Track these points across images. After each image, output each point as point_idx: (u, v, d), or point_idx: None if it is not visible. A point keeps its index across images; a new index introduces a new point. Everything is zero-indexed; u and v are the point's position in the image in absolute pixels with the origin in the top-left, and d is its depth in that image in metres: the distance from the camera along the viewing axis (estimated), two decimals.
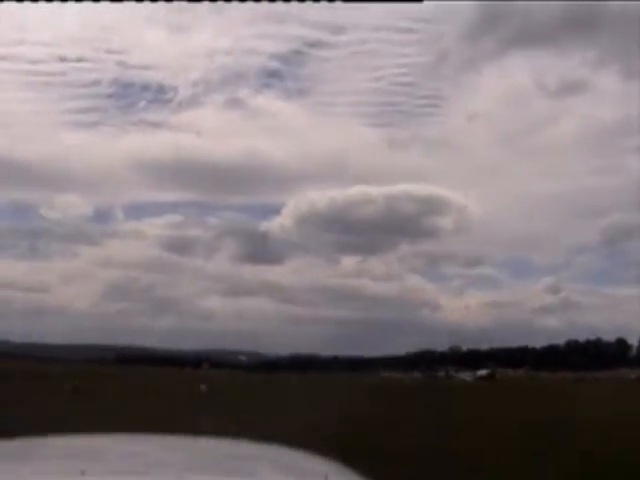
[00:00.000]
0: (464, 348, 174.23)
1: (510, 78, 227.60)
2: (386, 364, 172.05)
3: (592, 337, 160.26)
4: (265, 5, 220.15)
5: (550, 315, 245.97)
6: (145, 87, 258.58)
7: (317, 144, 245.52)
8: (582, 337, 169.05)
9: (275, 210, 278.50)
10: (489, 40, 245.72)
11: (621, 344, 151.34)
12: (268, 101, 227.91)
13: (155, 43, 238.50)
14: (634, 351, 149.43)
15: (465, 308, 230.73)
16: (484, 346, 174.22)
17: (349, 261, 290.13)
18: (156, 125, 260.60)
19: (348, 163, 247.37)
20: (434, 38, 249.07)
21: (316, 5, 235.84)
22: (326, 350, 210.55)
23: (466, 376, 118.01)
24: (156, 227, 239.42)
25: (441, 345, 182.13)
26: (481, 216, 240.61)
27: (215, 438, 4.60)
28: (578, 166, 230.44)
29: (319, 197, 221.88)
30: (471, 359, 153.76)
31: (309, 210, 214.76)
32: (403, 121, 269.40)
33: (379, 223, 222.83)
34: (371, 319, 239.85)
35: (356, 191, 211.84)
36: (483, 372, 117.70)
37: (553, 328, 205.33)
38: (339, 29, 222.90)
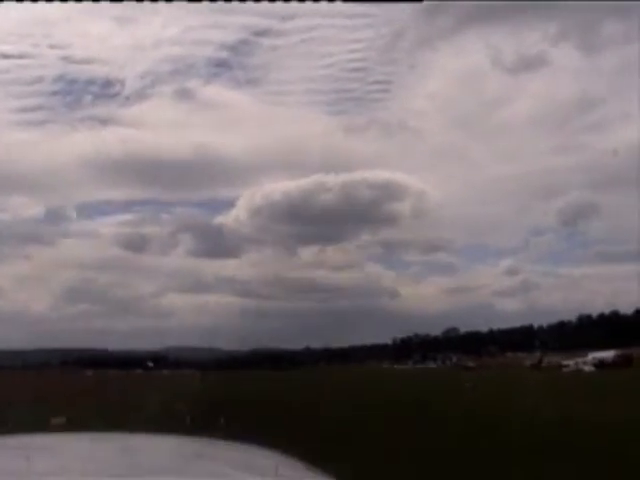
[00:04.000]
0: (461, 331, 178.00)
1: (467, 57, 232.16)
2: (370, 354, 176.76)
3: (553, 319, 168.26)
4: None
5: (510, 297, 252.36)
6: (91, 82, 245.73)
7: (270, 134, 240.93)
8: (542, 319, 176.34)
9: (230, 204, 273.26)
10: (444, 18, 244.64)
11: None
12: (218, 92, 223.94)
13: (99, 36, 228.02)
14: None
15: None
16: (443, 333, 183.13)
17: (307, 252, 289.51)
18: (104, 121, 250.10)
19: (303, 152, 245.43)
20: (387, 20, 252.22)
21: None
22: (290, 343, 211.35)
23: (582, 364, 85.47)
24: (110, 226, 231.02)
25: (401, 333, 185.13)
26: (439, 201, 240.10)
27: (157, 436, 4.67)
28: (535, 146, 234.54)
29: (274, 188, 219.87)
30: (469, 343, 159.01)
31: (264, 202, 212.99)
32: (358, 107, 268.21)
33: (337, 212, 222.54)
34: (331, 309, 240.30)
35: (312, 180, 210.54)
36: (606, 354, 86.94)
37: (512, 310, 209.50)
38: (288, 16, 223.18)
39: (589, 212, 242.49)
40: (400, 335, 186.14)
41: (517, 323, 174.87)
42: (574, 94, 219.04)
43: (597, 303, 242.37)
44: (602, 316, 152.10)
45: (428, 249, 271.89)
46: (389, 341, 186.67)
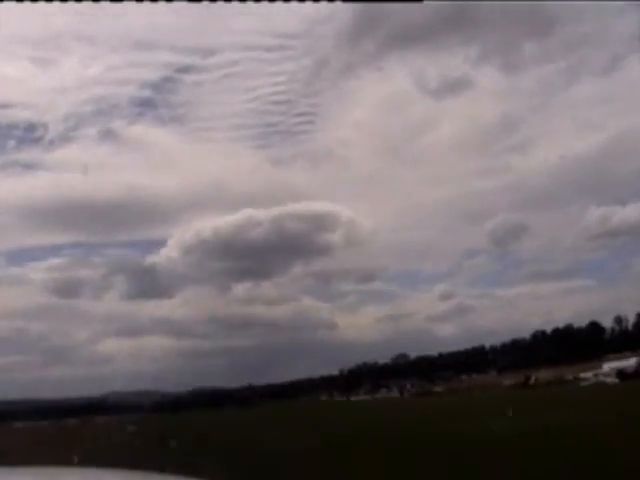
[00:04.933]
0: (412, 356, 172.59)
1: (390, 82, 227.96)
2: (316, 387, 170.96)
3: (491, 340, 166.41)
4: (133, 32, 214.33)
5: (446, 322, 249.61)
6: (13, 126, 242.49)
7: (198, 171, 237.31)
8: (477, 340, 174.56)
9: (161, 243, 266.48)
10: (367, 44, 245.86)
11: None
12: (143, 131, 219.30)
13: (18, 79, 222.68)
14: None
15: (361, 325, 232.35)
16: (383, 360, 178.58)
17: (241, 288, 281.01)
18: (30, 166, 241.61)
19: (232, 188, 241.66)
20: (309, 51, 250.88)
21: (183, 29, 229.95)
22: (231, 381, 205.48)
23: (602, 377, 77.16)
24: (41, 271, 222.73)
25: (347, 363, 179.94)
26: (370, 229, 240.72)
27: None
28: (462, 169, 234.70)
29: (204, 225, 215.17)
30: (420, 369, 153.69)
31: (196, 239, 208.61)
32: (284, 140, 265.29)
33: (268, 246, 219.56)
34: (269, 345, 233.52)
35: (242, 215, 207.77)
36: (626, 363, 79.24)
37: (449, 334, 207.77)
38: (209, 52, 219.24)
39: (519, 232, 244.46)
40: (347, 366, 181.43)
41: (455, 347, 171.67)
42: (497, 115, 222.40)
43: (533, 321, 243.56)
44: (557, 331, 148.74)
45: (363, 278, 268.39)
46: (336, 372, 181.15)
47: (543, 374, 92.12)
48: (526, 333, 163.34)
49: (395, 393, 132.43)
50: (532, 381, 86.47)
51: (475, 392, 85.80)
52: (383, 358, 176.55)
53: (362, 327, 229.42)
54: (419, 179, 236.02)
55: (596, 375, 72.92)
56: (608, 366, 77.33)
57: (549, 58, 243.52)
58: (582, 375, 77.54)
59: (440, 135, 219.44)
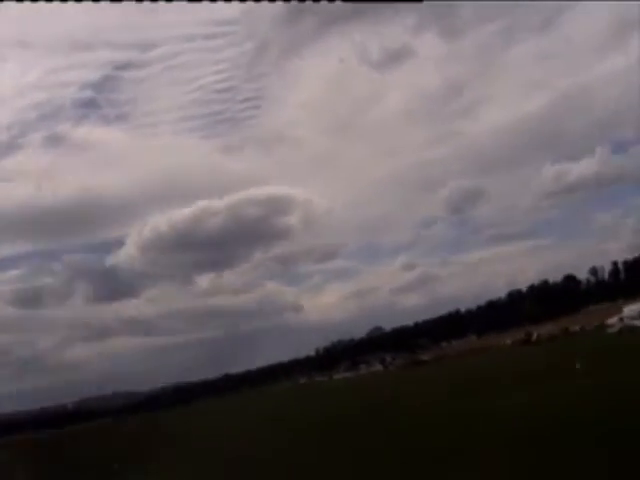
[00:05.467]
0: (386, 328, 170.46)
1: (333, 58, 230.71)
2: (293, 369, 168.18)
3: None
4: (70, 33, 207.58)
5: (411, 292, 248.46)
6: None
7: (148, 167, 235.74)
8: (444, 308, 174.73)
9: (119, 243, 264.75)
10: (307, 22, 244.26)
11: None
12: (89, 132, 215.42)
13: None
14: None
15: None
16: (367, 334, 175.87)
17: (204, 279, 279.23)
18: None
19: (184, 180, 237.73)
20: (248, 35, 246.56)
21: (120, 25, 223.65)
22: (205, 373, 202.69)
23: (630, 320, 67.76)
24: (0, 284, 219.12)
25: (313, 345, 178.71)
26: (327, 207, 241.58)
27: None
28: (411, 139, 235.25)
29: (161, 220, 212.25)
30: (396, 340, 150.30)
31: (153, 235, 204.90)
32: (232, 127, 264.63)
33: (227, 235, 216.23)
34: (239, 333, 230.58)
35: (197, 207, 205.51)
36: None
37: (416, 304, 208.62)
38: (148, 46, 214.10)
39: (475, 197, 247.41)
40: (321, 346, 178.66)
41: (424, 316, 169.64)
42: (441, 82, 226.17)
43: (498, 284, 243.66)
44: (532, 288, 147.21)
45: (324, 257, 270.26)
46: (309, 353, 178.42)
47: (542, 330, 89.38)
48: (492, 295, 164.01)
49: (377, 367, 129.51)
50: (534, 337, 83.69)
51: (470, 358, 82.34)
52: (357, 334, 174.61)
53: (329, 306, 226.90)
54: (370, 153, 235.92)
55: (621, 320, 69.55)
56: (629, 309, 72.53)
57: (486, 20, 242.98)
58: (609, 321, 73.84)
59: (387, 107, 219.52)
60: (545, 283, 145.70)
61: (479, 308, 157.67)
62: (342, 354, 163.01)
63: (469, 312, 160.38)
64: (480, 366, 58.05)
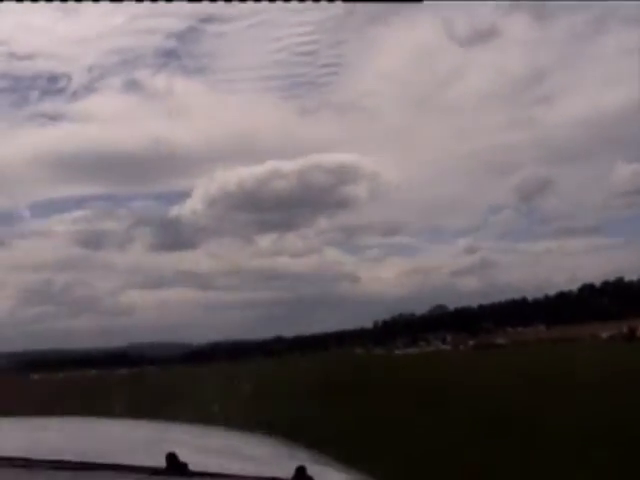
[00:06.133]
0: (450, 307, 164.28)
1: (419, 31, 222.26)
2: (347, 339, 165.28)
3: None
4: None
5: (469, 275, 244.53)
6: (37, 77, 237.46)
7: (222, 122, 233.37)
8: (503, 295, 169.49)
9: (185, 195, 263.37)
10: None
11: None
12: (167, 82, 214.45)
13: (42, 29, 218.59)
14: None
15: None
16: (430, 311, 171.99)
17: (265, 240, 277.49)
18: (53, 117, 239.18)
19: (256, 139, 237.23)
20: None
21: None
22: (257, 333, 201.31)
23: None
24: (65, 224, 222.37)
25: (367, 317, 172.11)
26: (395, 182, 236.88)
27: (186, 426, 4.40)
28: (488, 121, 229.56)
29: (229, 177, 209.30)
30: (459, 321, 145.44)
31: (220, 191, 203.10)
32: (310, 90, 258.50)
33: (293, 198, 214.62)
34: (293, 297, 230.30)
35: (267, 167, 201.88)
36: None
37: (473, 288, 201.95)
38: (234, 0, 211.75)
39: (545, 187, 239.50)
40: (376, 318, 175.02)
41: (479, 301, 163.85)
42: (525, 66, 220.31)
43: (561, 277, 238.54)
44: (607, 284, 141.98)
45: (386, 231, 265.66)
46: (364, 324, 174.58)
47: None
48: (555, 288, 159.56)
49: (440, 346, 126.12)
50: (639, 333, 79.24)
51: (552, 346, 77.88)
52: (417, 311, 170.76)
53: (385, 280, 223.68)
54: (445, 131, 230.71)
55: None
56: None
57: (580, 7, 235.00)
58: None
59: (467, 86, 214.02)
60: (620, 280, 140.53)
61: (547, 298, 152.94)
62: (401, 329, 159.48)
63: (536, 301, 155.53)
64: (568, 358, 50.73)
